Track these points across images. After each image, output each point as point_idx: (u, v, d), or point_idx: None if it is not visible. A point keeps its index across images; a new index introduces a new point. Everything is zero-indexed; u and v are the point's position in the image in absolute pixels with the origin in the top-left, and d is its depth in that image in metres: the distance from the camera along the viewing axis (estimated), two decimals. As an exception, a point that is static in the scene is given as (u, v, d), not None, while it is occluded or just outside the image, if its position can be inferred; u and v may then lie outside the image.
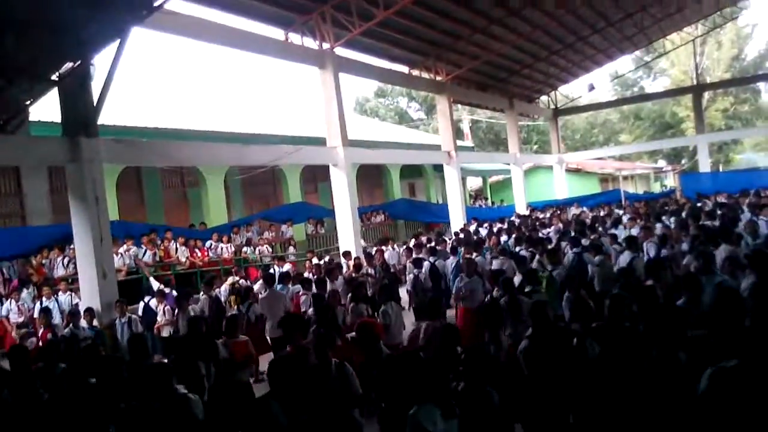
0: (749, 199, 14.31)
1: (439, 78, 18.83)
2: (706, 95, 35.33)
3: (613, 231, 11.84)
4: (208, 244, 13.82)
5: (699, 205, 15.43)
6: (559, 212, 19.31)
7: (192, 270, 12.87)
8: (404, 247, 13.79)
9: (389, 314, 7.06)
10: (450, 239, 14.39)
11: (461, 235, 14.31)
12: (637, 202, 20.09)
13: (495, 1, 15.69)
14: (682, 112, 41.54)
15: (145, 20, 8.17)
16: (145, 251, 12.15)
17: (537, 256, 9.18)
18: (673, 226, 11.23)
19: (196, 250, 13.40)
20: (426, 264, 10.52)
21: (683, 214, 12.55)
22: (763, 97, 46.32)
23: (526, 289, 7.09)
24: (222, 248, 13.86)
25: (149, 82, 23.79)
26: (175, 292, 9.77)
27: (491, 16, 16.57)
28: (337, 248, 14.38)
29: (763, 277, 5.50)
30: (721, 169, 39.96)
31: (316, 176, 20.58)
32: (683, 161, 46.08)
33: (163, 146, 10.98)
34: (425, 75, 18.68)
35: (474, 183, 34.40)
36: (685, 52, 38.18)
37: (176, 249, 13.04)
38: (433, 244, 12.72)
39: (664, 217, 12.98)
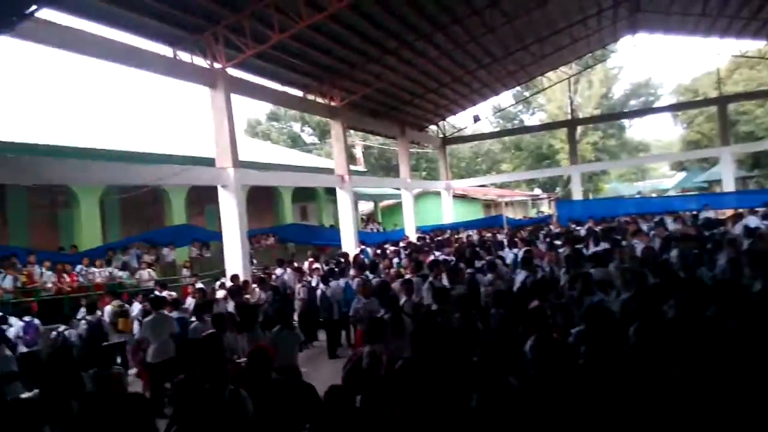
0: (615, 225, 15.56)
1: (333, 103, 18.92)
2: (579, 129, 38.25)
3: (500, 252, 12.38)
4: (78, 268, 12.79)
5: (578, 229, 16.48)
6: (453, 236, 19.96)
7: (60, 296, 11.83)
8: (297, 269, 13.59)
9: (280, 337, 6.86)
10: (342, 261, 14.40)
11: (351, 258, 14.47)
12: (518, 227, 21.21)
13: (389, 32, 16.09)
14: (557, 144, 44.73)
15: (15, 28, 7.46)
16: (4, 276, 11.01)
17: (430, 278, 9.31)
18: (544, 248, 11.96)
19: (65, 275, 12.34)
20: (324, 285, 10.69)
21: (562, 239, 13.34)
22: (628, 133, 51.07)
23: (433, 308, 7.19)
24: (95, 273, 12.88)
25: (21, 95, 21.91)
26: (36, 320, 8.89)
27: (385, 46, 16.94)
28: (224, 272, 13.84)
29: (640, 293, 5.81)
30: (591, 197, 43.26)
31: (202, 198, 19.78)
32: (557, 189, 49.48)
33: (32, 163, 10.10)
34: (320, 100, 18.69)
35: (365, 207, 34.73)
36: (560, 89, 41.27)
37: (41, 274, 11.96)
38: (333, 266, 12.85)
39: (538, 241, 13.81)
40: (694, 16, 21.53)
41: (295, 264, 14.33)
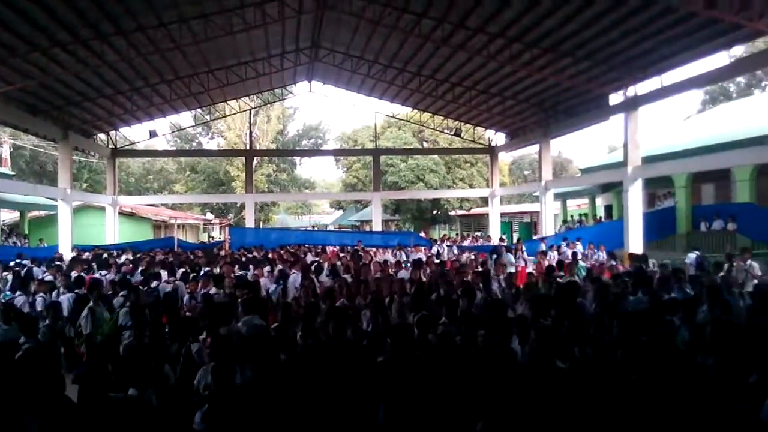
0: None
1: (-22, 90, 15.97)
2: (255, 160, 39.73)
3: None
4: None
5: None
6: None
7: None
8: None
9: None
10: None
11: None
12: (192, 251, 20.85)
13: (63, 24, 14.45)
14: (233, 171, 45.53)
15: None
16: None
17: (91, 302, 8.59)
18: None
19: None
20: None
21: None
22: (298, 170, 54.88)
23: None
24: None
25: None
26: None
27: (56, 38, 15.13)
28: None
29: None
30: (261, 226, 45.07)
31: None
32: (230, 216, 50.25)
33: None
34: (-42, 82, 15.56)
35: (8, 217, 29.74)
36: (240, 118, 42.44)
37: None
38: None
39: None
40: (361, 76, 24.81)
41: None
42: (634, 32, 14.87)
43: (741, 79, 41.17)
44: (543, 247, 16.97)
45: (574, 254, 15.65)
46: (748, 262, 12.01)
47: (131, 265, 13.88)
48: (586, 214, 28.07)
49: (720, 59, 15.18)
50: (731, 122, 22.32)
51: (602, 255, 15.75)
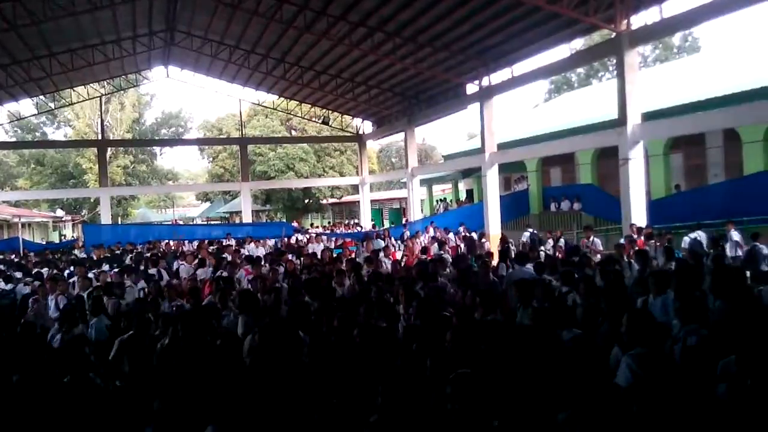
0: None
1: None
2: (110, 151, 37.02)
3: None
4: None
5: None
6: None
7: None
8: None
9: None
10: None
11: None
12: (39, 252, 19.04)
13: None
14: (85, 163, 42.00)
15: None
16: None
17: None
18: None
19: None
20: None
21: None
22: (158, 161, 51.62)
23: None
24: None
25: None
26: None
27: None
28: None
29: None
30: (120, 222, 42.14)
31: None
32: (84, 212, 46.48)
33: None
34: None
35: None
36: (90, 106, 39.21)
37: None
38: None
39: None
40: (222, 62, 23.90)
41: None
42: (485, 25, 15.72)
43: (581, 70, 44.98)
44: (430, 229, 17.69)
45: (433, 238, 16.43)
46: (591, 238, 13.26)
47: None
48: (444, 199, 29.34)
49: (562, 52, 16.51)
50: (574, 110, 24.38)
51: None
